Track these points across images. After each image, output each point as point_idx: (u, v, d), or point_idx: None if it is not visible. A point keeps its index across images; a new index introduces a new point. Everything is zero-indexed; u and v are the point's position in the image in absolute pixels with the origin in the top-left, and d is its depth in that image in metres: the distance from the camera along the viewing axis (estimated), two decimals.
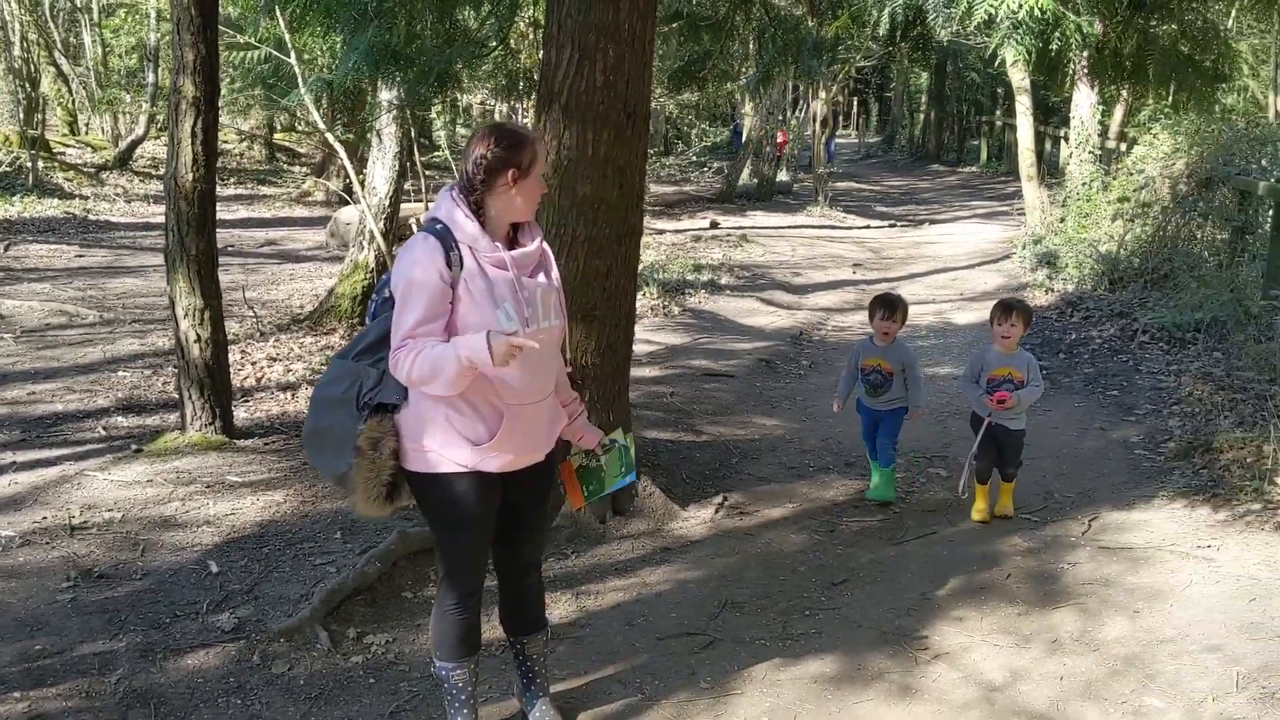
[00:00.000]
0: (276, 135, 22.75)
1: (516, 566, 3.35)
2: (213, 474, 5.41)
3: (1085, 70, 12.84)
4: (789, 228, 16.00)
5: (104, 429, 6.13)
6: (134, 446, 5.78)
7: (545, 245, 3.12)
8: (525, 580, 3.38)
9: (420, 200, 10.63)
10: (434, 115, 13.70)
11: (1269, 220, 8.50)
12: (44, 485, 5.24)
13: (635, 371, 6.28)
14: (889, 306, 5.40)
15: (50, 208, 14.17)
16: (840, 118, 38.22)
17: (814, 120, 19.36)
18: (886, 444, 5.45)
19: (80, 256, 11.40)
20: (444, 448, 2.98)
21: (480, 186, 2.93)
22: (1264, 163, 9.53)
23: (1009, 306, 5.13)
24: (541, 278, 3.06)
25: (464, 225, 2.92)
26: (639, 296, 8.34)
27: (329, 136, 8.70)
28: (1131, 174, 11.60)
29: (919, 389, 5.47)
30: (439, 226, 2.93)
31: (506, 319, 2.89)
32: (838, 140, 33.63)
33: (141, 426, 6.20)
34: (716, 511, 5.34)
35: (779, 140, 20.11)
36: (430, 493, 3.05)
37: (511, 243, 3.05)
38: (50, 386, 6.83)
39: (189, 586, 4.32)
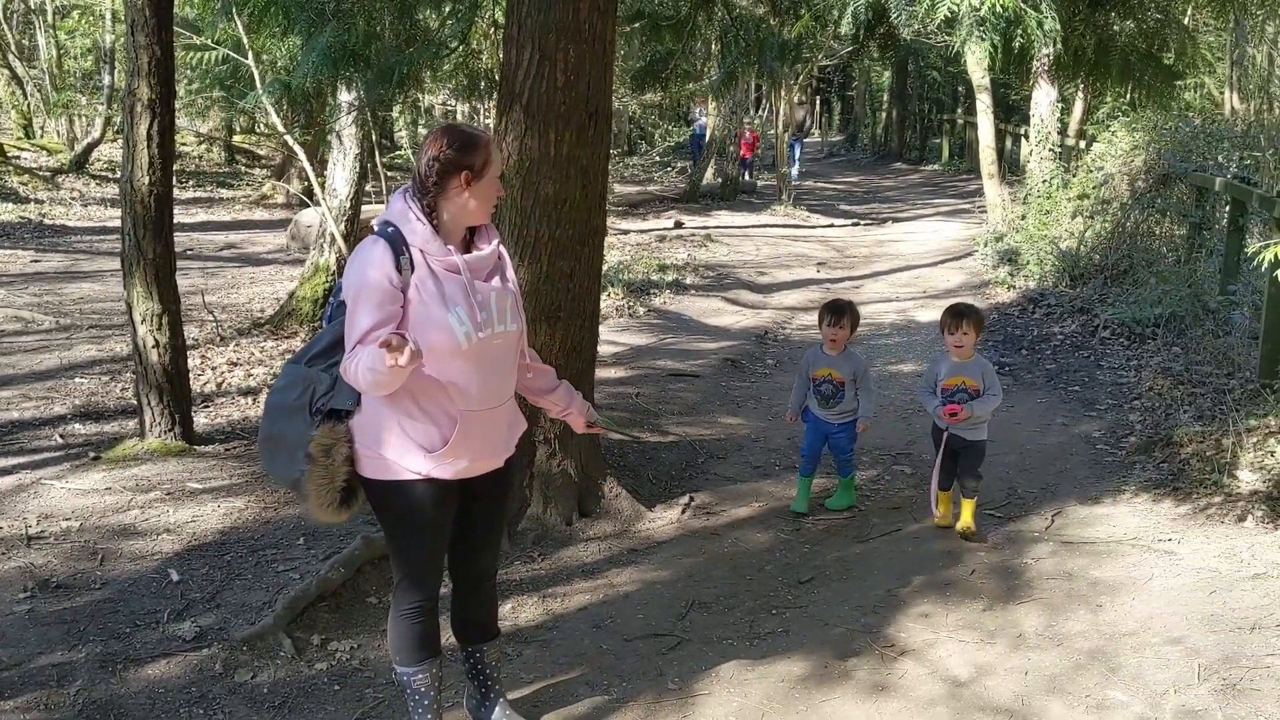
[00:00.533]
0: (235, 138, 22.52)
1: (471, 573, 3.31)
2: (173, 481, 5.34)
3: (1046, 68, 12.95)
4: (753, 227, 16.04)
5: (61, 437, 6.04)
6: (92, 454, 5.69)
7: (502, 249, 3.09)
8: (480, 587, 3.35)
9: (382, 202, 10.55)
10: (395, 116, 13.60)
11: (1225, 216, 8.61)
12: None
13: (601, 372, 6.26)
14: (837, 313, 5.21)
15: (4, 212, 13.93)
16: (819, 117, 38.30)
17: (778, 120, 19.39)
18: (843, 457, 5.32)
19: (36, 262, 11.22)
20: (398, 454, 2.94)
21: (433, 189, 2.89)
22: (1220, 159, 9.66)
23: (959, 314, 4.95)
24: (496, 281, 3.02)
25: (415, 228, 2.88)
26: (604, 297, 8.33)
27: (288, 138, 8.63)
28: (1091, 171, 11.72)
29: (870, 399, 5.29)
30: (390, 229, 2.89)
31: (458, 323, 2.86)
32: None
33: (100, 433, 6.11)
34: (683, 512, 5.34)
35: (749, 138, 20.13)
36: (386, 500, 3.02)
37: (468, 246, 3.01)
38: (5, 394, 6.71)
39: (149, 595, 4.25)
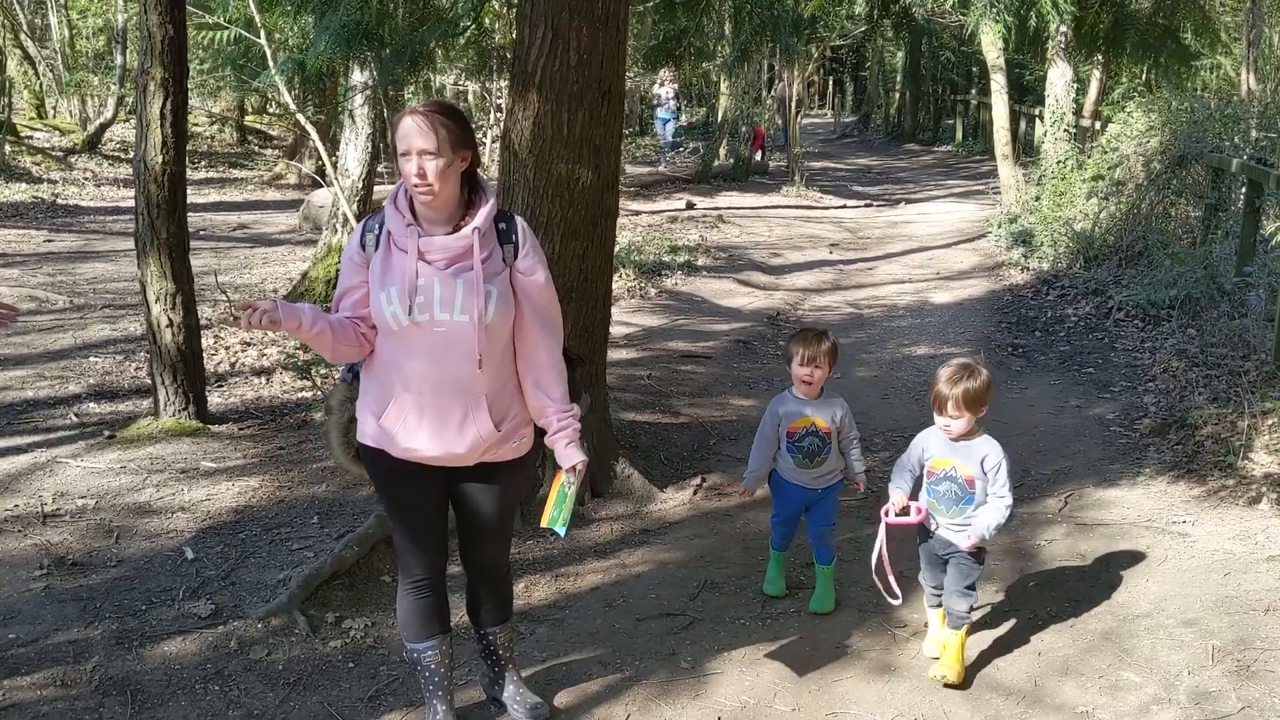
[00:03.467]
0: (248, 118, 22.51)
1: (475, 565, 3.31)
2: (187, 460, 5.36)
3: (1062, 46, 12.85)
4: (766, 208, 15.98)
5: (76, 416, 6.06)
6: (107, 433, 5.72)
7: (494, 242, 2.94)
8: (486, 578, 3.33)
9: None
10: (408, 96, 13.58)
11: (1241, 198, 8.55)
12: (15, 473, 5.17)
13: (612, 354, 6.26)
14: (813, 344, 3.98)
15: (18, 192, 13.97)
16: (817, 97, 38.10)
17: (789, 99, 19.29)
18: (826, 533, 4.19)
19: (49, 241, 11.25)
20: (363, 420, 3.06)
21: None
22: (1236, 140, 9.58)
23: (958, 377, 3.52)
24: (452, 270, 2.86)
25: (388, 207, 2.93)
26: (615, 279, 8.31)
27: (301, 118, 8.62)
28: (1106, 152, 11.63)
29: (858, 451, 4.18)
30: (381, 209, 2.99)
31: (386, 302, 2.86)
32: (813, 120, 33.61)
33: (114, 413, 6.14)
34: (695, 493, 5.34)
35: (756, 134, 19.95)
36: (367, 464, 3.13)
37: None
38: (20, 373, 6.74)
39: (165, 573, 4.28)
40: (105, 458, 5.36)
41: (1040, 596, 4.24)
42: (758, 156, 19.93)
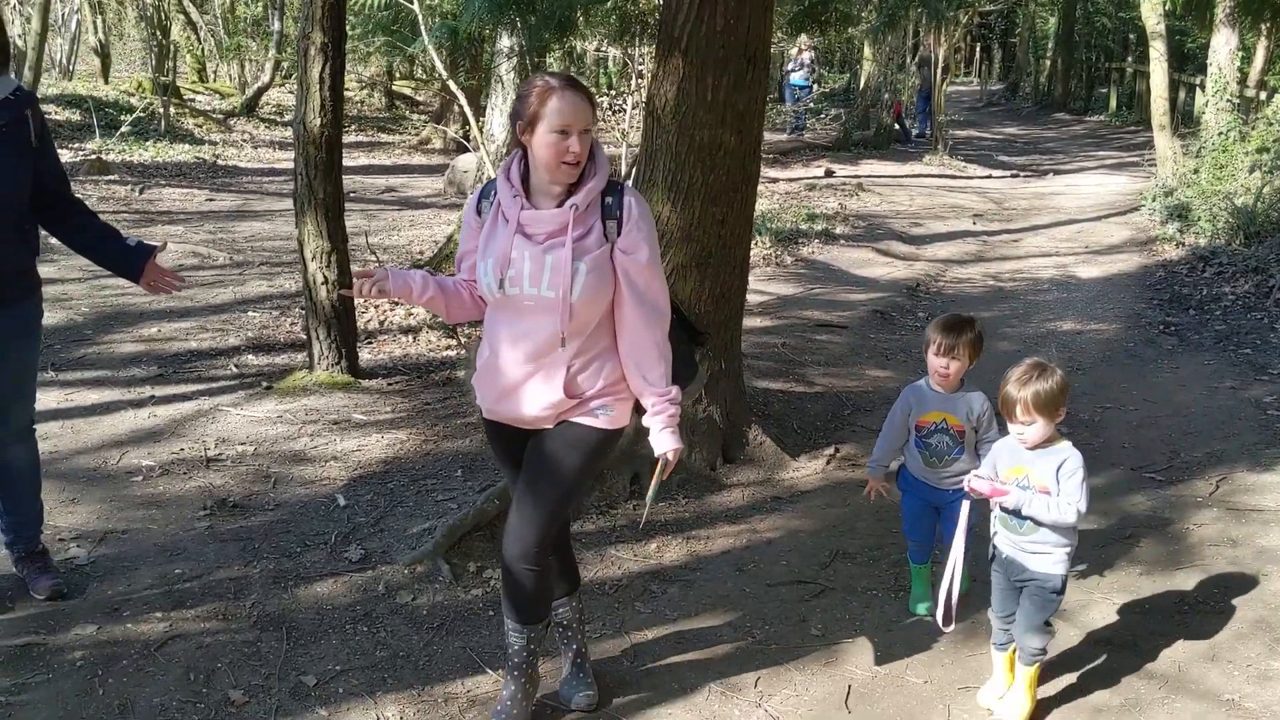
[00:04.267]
0: (395, 83, 23.08)
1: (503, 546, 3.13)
2: (339, 412, 5.60)
3: (1229, 11, 12.22)
4: (906, 176, 15.67)
5: (235, 367, 6.38)
6: (264, 384, 6.01)
7: (596, 218, 2.87)
8: (508, 570, 3.08)
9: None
10: (552, 61, 13.72)
11: None
12: (181, 419, 5.49)
13: (746, 321, 6.26)
14: (952, 332, 3.65)
15: (181, 153, 14.66)
16: (963, 64, 36.99)
17: (935, 65, 18.79)
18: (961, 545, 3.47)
19: (210, 201, 11.79)
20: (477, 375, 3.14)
21: (517, 138, 2.89)
22: None
23: (1027, 377, 3.20)
24: (549, 243, 2.83)
25: (499, 177, 2.93)
26: (752, 246, 8.29)
27: (450, 83, 8.80)
28: (1272, 123, 11.06)
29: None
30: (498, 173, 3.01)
31: (484, 273, 2.88)
32: (958, 88, 32.66)
33: (271, 365, 6.44)
34: (828, 463, 5.33)
35: (894, 109, 19.47)
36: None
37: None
38: (185, 325, 7.11)
39: (318, 518, 4.50)
40: (263, 407, 5.64)
41: (1188, 581, 4.11)
42: (896, 126, 19.47)
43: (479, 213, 2.97)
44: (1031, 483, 3.14)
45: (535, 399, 2.93)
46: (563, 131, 2.74)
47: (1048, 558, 3.16)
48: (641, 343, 2.92)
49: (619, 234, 2.87)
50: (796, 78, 19.77)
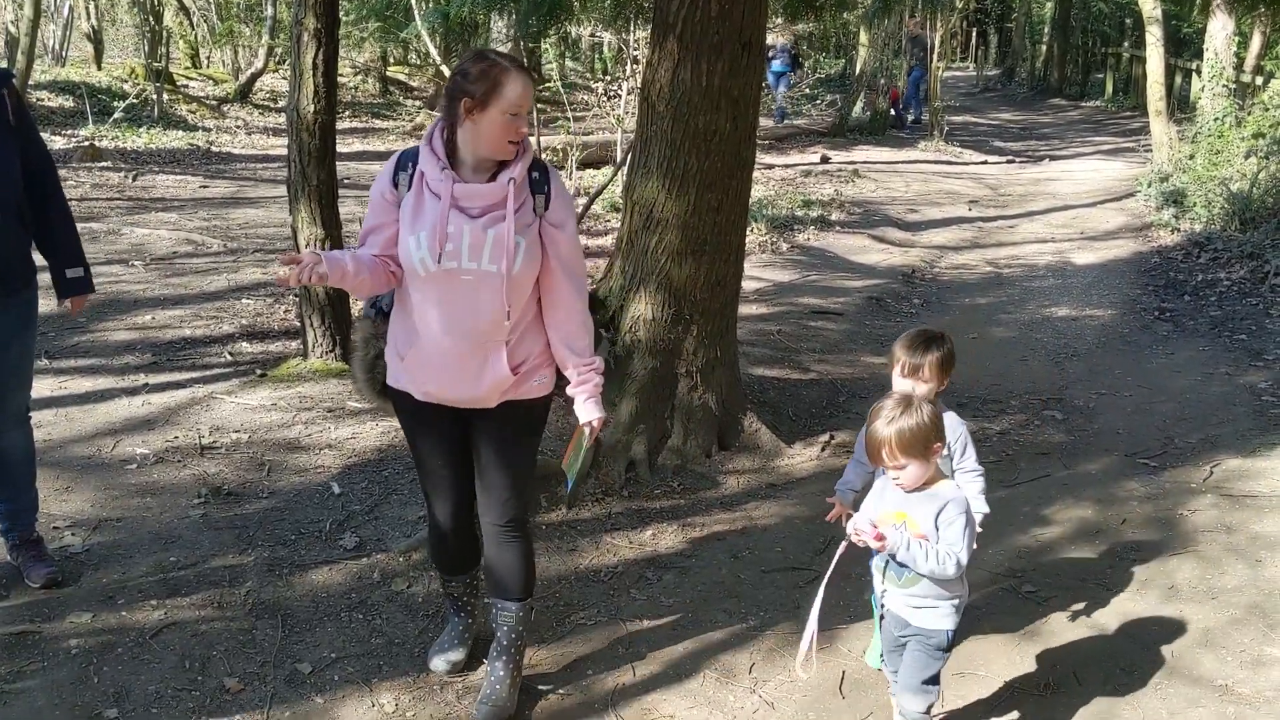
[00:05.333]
0: (390, 68, 22.98)
1: (486, 513, 3.18)
2: (334, 399, 5.59)
3: None
4: (902, 163, 15.64)
5: (230, 354, 6.36)
6: (258, 372, 5.99)
7: (527, 193, 2.91)
8: (496, 533, 3.17)
9: (531, 133, 10.67)
10: (545, 47, 13.65)
11: None
12: (175, 407, 5.48)
13: (742, 308, 6.26)
14: (918, 350, 3.22)
15: (175, 139, 14.59)
16: (959, 49, 36.90)
17: (932, 53, 18.73)
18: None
19: (204, 187, 11.74)
20: (390, 361, 3.10)
21: (444, 112, 2.88)
22: None
23: (891, 415, 2.81)
24: (486, 219, 2.85)
25: (424, 149, 2.91)
26: (746, 233, 8.28)
27: (444, 68, 8.74)
28: (1268, 109, 11.04)
29: (980, 485, 3.28)
30: (413, 146, 2.97)
31: (416, 247, 2.85)
32: (954, 73, 32.58)
33: (265, 352, 6.42)
34: (823, 450, 5.33)
35: (893, 94, 19.34)
36: (393, 404, 3.19)
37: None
38: (178, 313, 7.09)
39: (313, 506, 4.50)
40: (257, 395, 5.63)
41: (1182, 566, 4.12)
42: (892, 112, 19.36)
43: (395, 185, 2.94)
44: (909, 529, 2.81)
45: (480, 377, 2.96)
46: (514, 114, 2.78)
47: (932, 612, 2.89)
48: (569, 314, 3.02)
49: (546, 208, 2.94)
50: (775, 64, 19.56)
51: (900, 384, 3.20)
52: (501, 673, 3.25)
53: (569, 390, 3.08)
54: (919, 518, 2.82)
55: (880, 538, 2.73)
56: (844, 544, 2.92)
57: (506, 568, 3.20)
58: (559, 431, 4.61)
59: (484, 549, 3.27)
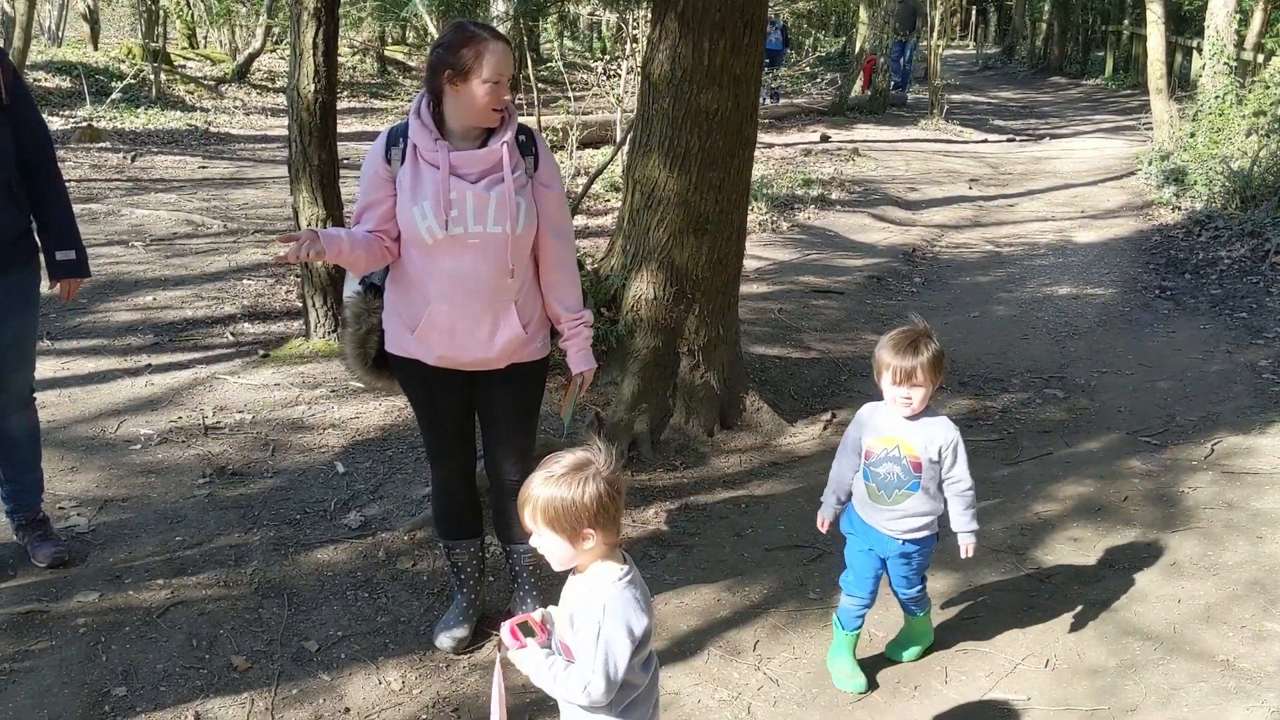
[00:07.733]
0: (388, 48, 22.89)
1: (496, 471, 3.37)
2: (337, 379, 5.59)
3: None
4: (903, 141, 15.60)
5: (232, 335, 6.36)
6: (261, 352, 5.99)
7: (519, 156, 3.01)
8: (512, 491, 3.05)
9: (530, 114, 10.63)
10: (545, 26, 13.60)
11: None
12: (178, 387, 5.48)
13: (743, 287, 6.25)
14: (908, 353, 3.01)
15: (173, 120, 14.54)
16: (959, 27, 36.74)
17: (932, 30, 18.66)
18: (915, 599, 3.34)
19: (203, 168, 11.72)
20: (395, 331, 3.16)
21: (428, 84, 2.96)
22: None
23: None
24: (484, 183, 2.95)
25: (413, 122, 2.97)
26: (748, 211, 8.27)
27: None
28: (1269, 87, 11.01)
29: (967, 501, 3.17)
30: (402, 121, 3.03)
31: (421, 217, 2.93)
32: (954, 51, 32.45)
33: (267, 333, 6.42)
34: (825, 428, 5.34)
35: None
36: (396, 371, 3.25)
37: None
38: (180, 293, 7.09)
39: (317, 486, 4.51)
40: (260, 375, 5.64)
41: (1183, 543, 4.14)
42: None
43: (388, 161, 3.01)
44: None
45: (493, 337, 3.07)
46: (495, 81, 2.87)
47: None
48: (560, 270, 3.16)
49: (535, 169, 3.06)
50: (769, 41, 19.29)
51: (894, 393, 3.06)
52: (531, 605, 3.38)
53: (560, 343, 3.26)
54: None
55: (522, 645, 2.16)
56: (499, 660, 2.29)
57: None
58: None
59: (499, 505, 3.40)
